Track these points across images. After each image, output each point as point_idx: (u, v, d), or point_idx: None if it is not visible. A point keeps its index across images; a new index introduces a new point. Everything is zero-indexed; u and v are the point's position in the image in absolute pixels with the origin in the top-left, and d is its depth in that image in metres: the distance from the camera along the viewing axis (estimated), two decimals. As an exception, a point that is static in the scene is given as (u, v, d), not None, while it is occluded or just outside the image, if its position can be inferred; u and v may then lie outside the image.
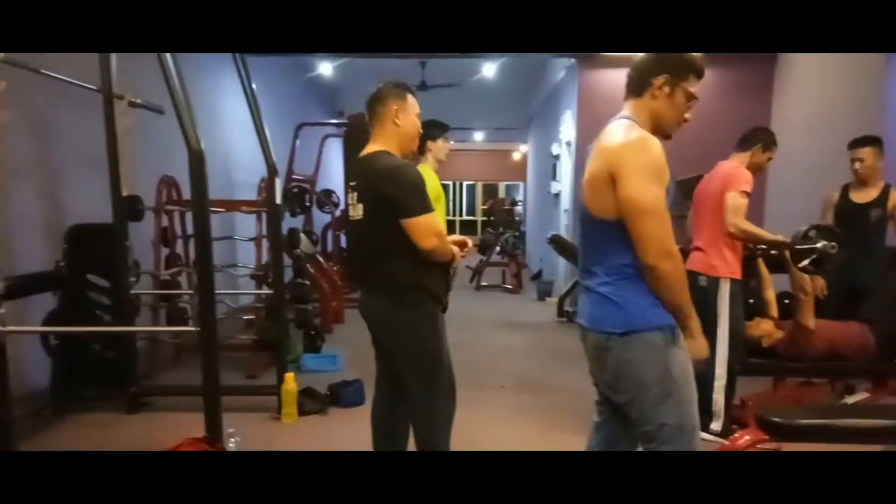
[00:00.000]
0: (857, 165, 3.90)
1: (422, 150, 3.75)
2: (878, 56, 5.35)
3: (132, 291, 3.79)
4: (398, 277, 2.32)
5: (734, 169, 3.29)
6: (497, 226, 11.83)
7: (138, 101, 3.72)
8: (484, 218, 21.02)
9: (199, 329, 2.53)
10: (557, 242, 7.09)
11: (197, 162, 2.46)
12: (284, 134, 7.78)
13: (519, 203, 17.80)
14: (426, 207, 2.25)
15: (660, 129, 1.89)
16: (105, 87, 3.53)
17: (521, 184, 19.28)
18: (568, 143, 8.02)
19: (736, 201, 3.16)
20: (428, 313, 2.37)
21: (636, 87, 1.92)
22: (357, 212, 2.38)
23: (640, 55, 1.92)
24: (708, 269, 3.29)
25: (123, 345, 3.84)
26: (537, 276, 10.53)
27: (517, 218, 15.72)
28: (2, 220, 3.50)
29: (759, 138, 3.41)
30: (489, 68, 9.13)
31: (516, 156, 18.43)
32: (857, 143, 3.92)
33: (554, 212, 9.25)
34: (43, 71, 2.92)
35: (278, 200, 3.80)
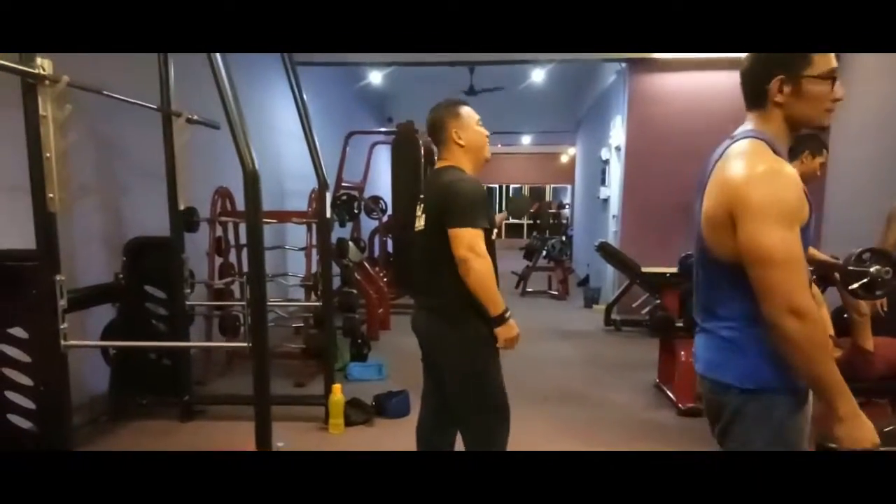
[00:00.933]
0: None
1: None
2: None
3: (187, 303, 3.90)
4: (449, 293, 2.32)
5: None
6: (543, 229, 11.74)
7: (195, 117, 3.83)
8: (530, 221, 20.91)
9: (250, 345, 2.59)
10: (605, 250, 6.99)
11: (251, 182, 2.51)
12: (335, 142, 7.90)
13: (566, 206, 17.64)
14: (471, 221, 2.24)
15: (806, 127, 1.61)
16: (164, 105, 3.65)
17: (568, 187, 19.10)
18: (618, 148, 7.92)
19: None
20: (477, 333, 2.35)
21: (754, 99, 1.62)
22: (420, 223, 2.45)
23: (746, 59, 1.65)
24: None
25: (178, 354, 3.96)
26: (584, 282, 10.42)
27: (563, 221, 15.56)
28: (67, 235, 3.66)
29: (805, 145, 3.25)
30: (538, 74, 9.07)
31: (564, 158, 18.27)
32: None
33: (602, 217, 9.14)
34: (105, 93, 3.03)
35: (328, 213, 3.86)
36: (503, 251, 3.46)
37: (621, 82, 7.56)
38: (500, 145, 17.10)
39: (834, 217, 6.70)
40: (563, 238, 14.00)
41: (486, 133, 2.47)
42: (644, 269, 6.15)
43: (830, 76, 1.53)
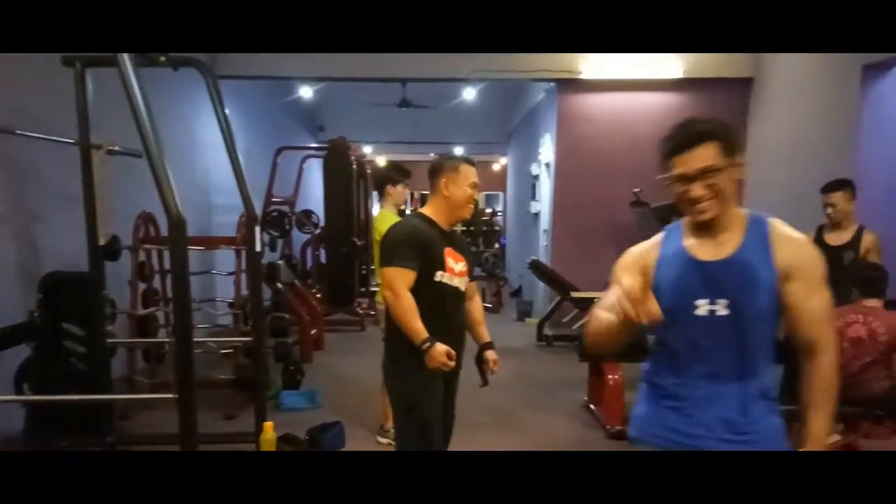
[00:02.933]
0: (830, 210, 3.99)
1: (382, 194, 4.06)
2: (854, 80, 5.45)
3: (109, 340, 3.74)
4: (388, 327, 2.64)
5: None
6: (477, 236, 11.89)
7: (116, 148, 3.67)
8: (463, 228, 21.04)
9: (176, 396, 2.50)
10: (537, 268, 7.14)
11: (176, 229, 2.43)
12: (267, 155, 7.75)
13: (498, 213, 17.89)
14: (388, 261, 2.49)
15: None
16: (83, 137, 3.48)
17: (500, 194, 19.36)
18: (547, 165, 8.08)
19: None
20: (405, 368, 2.55)
21: None
22: None
23: None
24: None
25: (99, 391, 3.77)
26: (517, 293, 10.58)
27: (497, 228, 15.76)
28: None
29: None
30: (469, 92, 9.15)
31: (496, 167, 18.48)
32: (828, 188, 4.01)
33: (533, 230, 9.30)
34: (19, 132, 2.87)
35: (258, 247, 3.77)
36: None
37: (550, 101, 7.72)
38: (433, 154, 17.16)
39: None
40: (497, 246, 14.19)
41: (475, 196, 2.62)
42: (574, 294, 6.24)
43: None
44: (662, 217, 6.71)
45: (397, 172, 4.13)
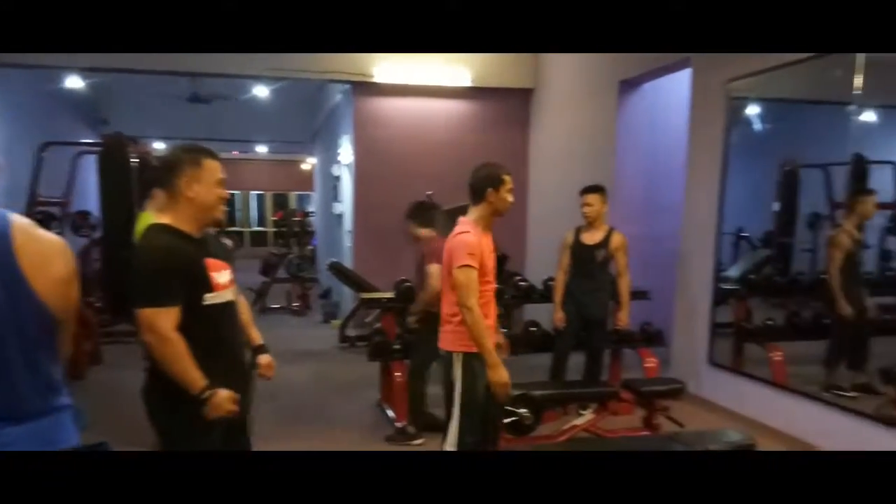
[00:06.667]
0: (587, 210, 4.42)
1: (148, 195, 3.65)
2: (613, 94, 6.08)
3: None
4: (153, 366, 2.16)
5: (457, 241, 2.89)
6: (289, 237, 11.59)
7: None
8: (275, 229, 20.40)
9: None
10: (337, 270, 7.10)
11: None
12: (33, 152, 6.92)
13: (311, 214, 17.58)
14: (147, 299, 2.07)
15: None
16: None
17: (312, 194, 19.06)
18: (348, 166, 8.09)
19: (461, 279, 2.81)
20: (177, 409, 2.16)
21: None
22: None
23: None
24: (444, 343, 3.03)
25: None
26: (325, 296, 10.47)
27: (311, 229, 15.46)
28: None
29: (486, 183, 2.97)
30: (261, 90, 8.86)
31: (306, 166, 18.15)
32: (586, 191, 4.45)
33: (338, 231, 9.26)
34: None
35: None
36: (246, 262, 3.31)
37: (348, 103, 7.74)
38: (235, 152, 16.46)
39: (534, 235, 7.60)
40: (308, 248, 13.90)
41: (225, 195, 2.27)
42: (364, 295, 6.26)
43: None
44: (454, 219, 7.01)
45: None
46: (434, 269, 4.01)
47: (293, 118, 12.25)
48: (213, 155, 2.26)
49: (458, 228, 2.95)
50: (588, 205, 4.42)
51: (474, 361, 2.88)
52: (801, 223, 5.61)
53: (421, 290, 4.31)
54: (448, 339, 2.98)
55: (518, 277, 5.63)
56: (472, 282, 2.80)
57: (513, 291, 5.36)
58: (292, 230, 16.69)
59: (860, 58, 3.99)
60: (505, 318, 5.96)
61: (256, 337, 2.60)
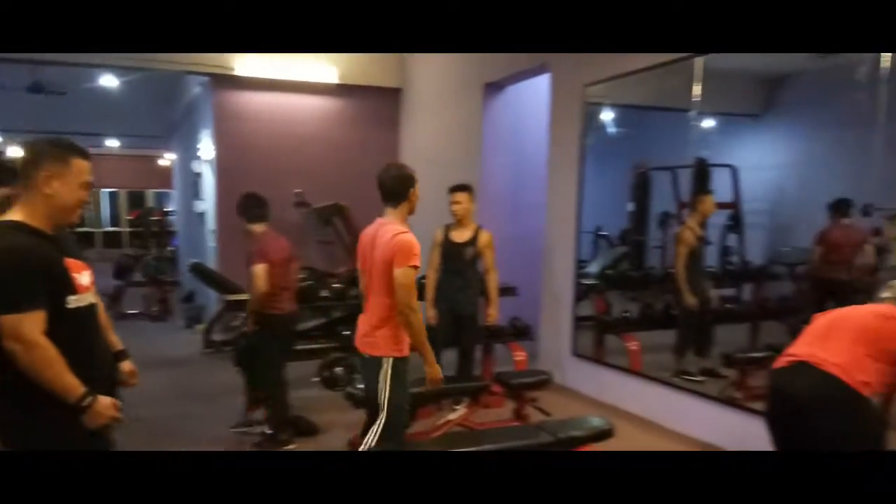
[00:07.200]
0: (455, 208, 4.49)
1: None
2: (478, 96, 6.22)
3: None
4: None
5: (401, 241, 2.83)
6: (147, 238, 10.88)
7: None
8: (131, 229, 19.05)
9: None
10: (198, 271, 6.73)
11: None
12: None
13: (170, 213, 16.57)
14: (8, 304, 1.86)
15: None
16: None
17: (172, 191, 17.98)
18: (209, 163, 7.70)
19: (407, 280, 2.81)
20: (43, 425, 1.96)
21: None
22: None
23: None
24: (373, 348, 2.97)
25: None
26: (189, 299, 9.91)
27: (171, 229, 14.56)
28: None
29: (408, 183, 2.98)
30: (109, 79, 8.21)
31: (165, 163, 17.08)
32: (454, 189, 4.52)
33: (201, 231, 8.79)
34: None
35: None
36: (98, 264, 2.99)
37: (207, 96, 7.36)
38: (89, 148, 15.14)
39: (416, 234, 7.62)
40: (169, 249, 13.11)
41: (87, 199, 2.08)
42: (229, 298, 6.02)
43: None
44: (325, 218, 6.89)
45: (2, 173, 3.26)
46: (259, 269, 3.96)
47: (148, 111, 11.47)
48: (83, 154, 2.06)
49: (391, 228, 2.88)
50: (457, 203, 4.49)
51: (402, 365, 2.93)
52: (652, 222, 6.05)
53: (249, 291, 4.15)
54: (380, 345, 2.93)
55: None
56: (414, 283, 2.84)
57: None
58: (150, 230, 15.71)
59: (698, 67, 4.36)
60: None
61: (116, 342, 2.41)
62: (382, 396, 2.92)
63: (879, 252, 4.06)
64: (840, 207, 4.14)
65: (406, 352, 2.95)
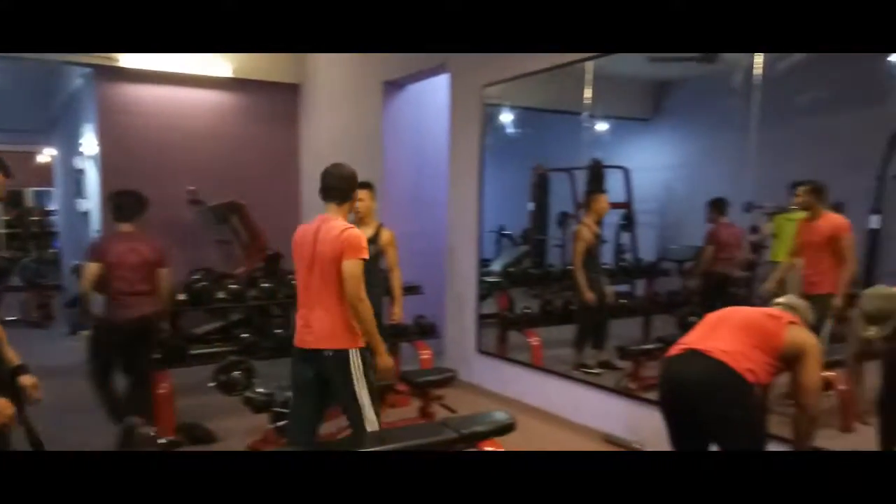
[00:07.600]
0: (357, 205, 4.43)
1: None
2: (377, 93, 6.18)
3: None
4: None
5: (351, 235, 2.94)
6: (25, 239, 10.13)
7: None
8: (8, 230, 17.58)
9: None
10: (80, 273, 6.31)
11: None
12: None
13: (53, 213, 15.45)
14: None
15: None
16: None
17: (53, 189, 16.74)
18: (93, 159, 7.23)
19: (358, 271, 2.92)
20: None
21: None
22: None
23: None
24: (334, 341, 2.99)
25: None
26: (74, 303, 9.26)
27: (54, 230, 13.63)
28: None
29: (354, 183, 3.16)
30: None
31: (44, 159, 15.88)
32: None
33: (85, 232, 8.23)
34: None
35: None
36: None
37: (90, 88, 6.91)
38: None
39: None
40: (50, 251, 12.24)
41: None
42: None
43: None
44: (220, 216, 6.63)
45: None
46: (87, 267, 3.91)
47: (25, 103, 10.58)
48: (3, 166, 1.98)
49: (338, 224, 2.97)
50: (359, 200, 4.43)
51: (365, 353, 3.04)
52: (552, 221, 6.24)
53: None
54: (344, 338, 2.98)
55: (291, 276, 5.48)
56: (363, 274, 2.93)
57: (287, 290, 5.21)
58: (29, 231, 14.61)
59: (588, 72, 4.53)
60: (282, 318, 5.79)
61: (13, 356, 2.37)
62: (357, 387, 2.98)
63: (755, 249, 4.39)
64: (718, 206, 4.45)
65: (363, 342, 3.01)
